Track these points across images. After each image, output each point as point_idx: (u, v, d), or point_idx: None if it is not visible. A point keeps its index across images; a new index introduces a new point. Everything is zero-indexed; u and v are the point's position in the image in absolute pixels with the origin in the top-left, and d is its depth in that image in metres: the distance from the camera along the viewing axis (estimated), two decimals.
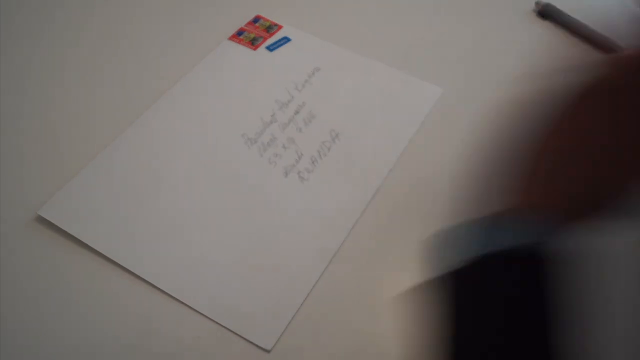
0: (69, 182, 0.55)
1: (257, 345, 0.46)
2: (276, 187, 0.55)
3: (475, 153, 0.37)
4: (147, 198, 0.54)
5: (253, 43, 0.68)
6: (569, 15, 0.75)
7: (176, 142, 0.59)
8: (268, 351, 0.46)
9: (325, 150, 0.59)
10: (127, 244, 0.51)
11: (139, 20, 0.70)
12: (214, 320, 0.48)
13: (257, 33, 0.69)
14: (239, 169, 0.57)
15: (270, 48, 0.68)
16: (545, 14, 0.77)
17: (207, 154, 0.58)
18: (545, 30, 0.76)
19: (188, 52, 0.66)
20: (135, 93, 0.62)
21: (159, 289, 0.49)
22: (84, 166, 0.56)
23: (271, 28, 0.70)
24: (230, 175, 0.56)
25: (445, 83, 0.67)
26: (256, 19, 0.71)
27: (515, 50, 0.73)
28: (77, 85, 0.62)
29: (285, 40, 0.69)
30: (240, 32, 0.69)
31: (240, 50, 0.67)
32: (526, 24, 0.76)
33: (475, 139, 0.39)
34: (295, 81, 0.64)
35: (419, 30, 0.73)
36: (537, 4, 0.77)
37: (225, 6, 0.72)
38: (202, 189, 0.55)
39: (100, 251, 0.50)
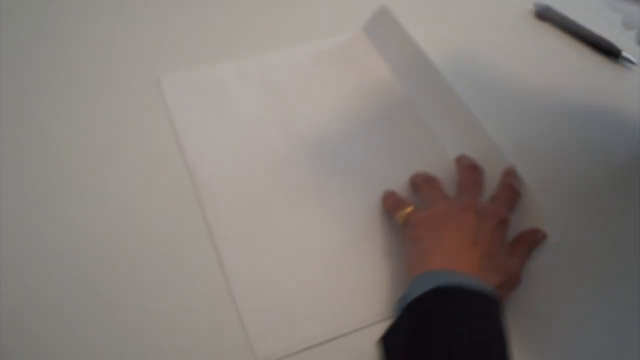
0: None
1: None
2: None
3: None
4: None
5: None
6: (567, 17, 0.76)
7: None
8: None
9: None
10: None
11: None
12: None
13: None
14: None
15: None
16: (544, 15, 0.77)
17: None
18: (544, 32, 0.76)
19: None
20: None
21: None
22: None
23: None
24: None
25: None
26: None
27: (513, 51, 0.73)
28: None
29: None
30: None
31: None
32: (525, 26, 0.77)
33: None
34: None
35: (417, 30, 0.73)
36: (535, 5, 0.78)
37: None
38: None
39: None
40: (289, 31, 0.72)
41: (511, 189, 0.55)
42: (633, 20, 0.68)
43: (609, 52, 0.73)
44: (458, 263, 0.47)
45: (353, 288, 0.51)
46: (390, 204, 0.55)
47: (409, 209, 0.53)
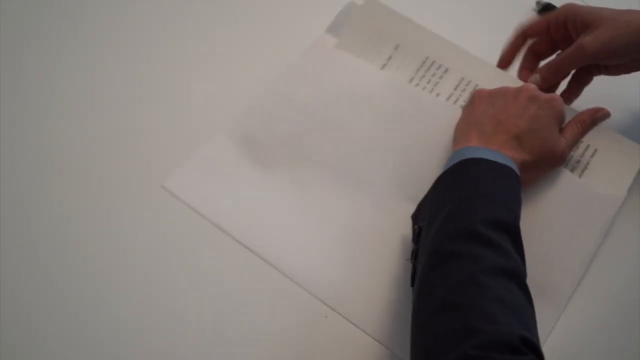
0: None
1: None
2: None
3: None
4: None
5: None
6: None
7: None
8: None
9: None
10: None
11: None
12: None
13: None
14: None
15: None
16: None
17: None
18: None
19: None
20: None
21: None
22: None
23: None
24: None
25: None
26: None
27: None
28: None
29: None
30: None
31: None
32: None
33: None
34: None
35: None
36: (537, 3, 0.78)
37: None
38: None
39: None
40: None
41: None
42: None
43: None
44: (492, 140, 0.53)
45: None
46: None
47: None
